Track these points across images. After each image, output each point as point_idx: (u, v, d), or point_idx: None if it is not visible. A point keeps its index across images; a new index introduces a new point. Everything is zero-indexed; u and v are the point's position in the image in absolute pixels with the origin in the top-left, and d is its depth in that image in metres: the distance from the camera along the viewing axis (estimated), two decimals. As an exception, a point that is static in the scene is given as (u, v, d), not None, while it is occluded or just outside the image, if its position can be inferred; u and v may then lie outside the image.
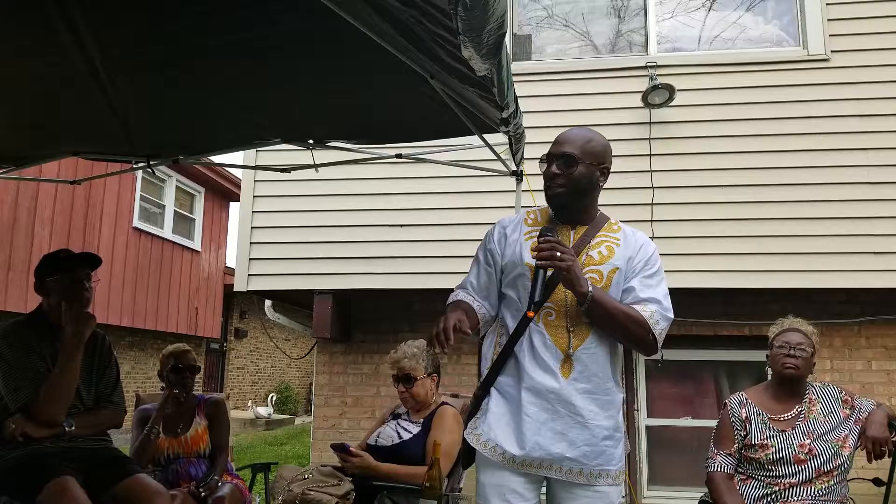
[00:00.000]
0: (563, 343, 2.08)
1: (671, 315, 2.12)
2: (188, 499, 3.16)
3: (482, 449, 2.13)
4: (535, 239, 2.10)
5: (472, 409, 2.21)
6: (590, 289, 2.02)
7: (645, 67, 5.01)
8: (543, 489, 2.20)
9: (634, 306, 2.09)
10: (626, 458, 2.23)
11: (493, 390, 2.15)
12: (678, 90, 4.84)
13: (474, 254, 2.32)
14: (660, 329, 2.09)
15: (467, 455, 2.25)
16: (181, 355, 3.57)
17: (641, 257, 2.15)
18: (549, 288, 2.09)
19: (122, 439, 3.67)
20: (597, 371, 2.09)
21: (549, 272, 2.05)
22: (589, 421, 2.06)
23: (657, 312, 2.09)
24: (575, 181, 2.12)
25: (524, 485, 2.10)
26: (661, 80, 4.86)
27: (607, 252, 2.16)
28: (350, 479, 3.06)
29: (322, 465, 3.14)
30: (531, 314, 2.05)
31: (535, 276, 2.04)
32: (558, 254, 1.99)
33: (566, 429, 2.05)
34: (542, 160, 2.19)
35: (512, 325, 2.15)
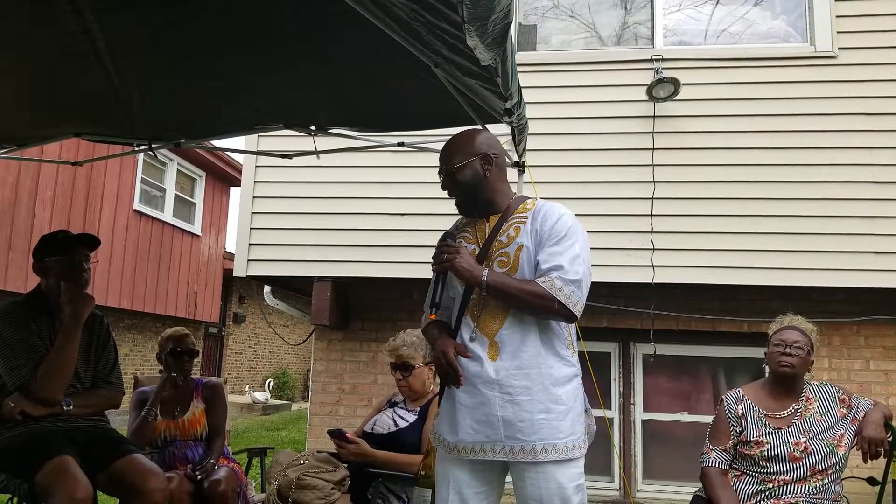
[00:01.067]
0: (487, 329, 2.18)
1: (576, 277, 2.11)
2: (184, 481, 3.18)
3: (435, 443, 2.30)
4: (461, 239, 2.31)
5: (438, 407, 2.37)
6: (483, 276, 2.12)
7: (650, 60, 4.98)
8: (509, 478, 2.23)
9: (538, 279, 2.12)
10: (589, 436, 2.22)
11: (446, 387, 2.27)
12: (683, 84, 4.82)
13: None
14: (565, 294, 2.09)
15: None
16: (180, 339, 3.57)
17: (546, 227, 2.19)
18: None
19: (120, 420, 3.69)
20: (525, 348, 2.14)
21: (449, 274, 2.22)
22: (518, 396, 2.10)
23: (558, 279, 2.10)
24: (462, 186, 2.27)
25: (469, 473, 2.18)
26: (666, 74, 4.84)
27: (514, 232, 2.22)
28: (346, 465, 3.07)
29: (318, 451, 3.15)
30: (432, 317, 2.24)
31: (436, 280, 2.23)
32: (444, 256, 2.16)
33: (497, 409, 2.11)
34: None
35: (454, 322, 2.29)
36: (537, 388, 2.11)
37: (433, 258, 2.21)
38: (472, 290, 2.22)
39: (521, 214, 2.26)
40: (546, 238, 2.17)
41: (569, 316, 2.14)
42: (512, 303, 2.15)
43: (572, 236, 2.17)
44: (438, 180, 2.35)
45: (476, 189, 2.27)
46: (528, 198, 2.35)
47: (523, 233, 2.21)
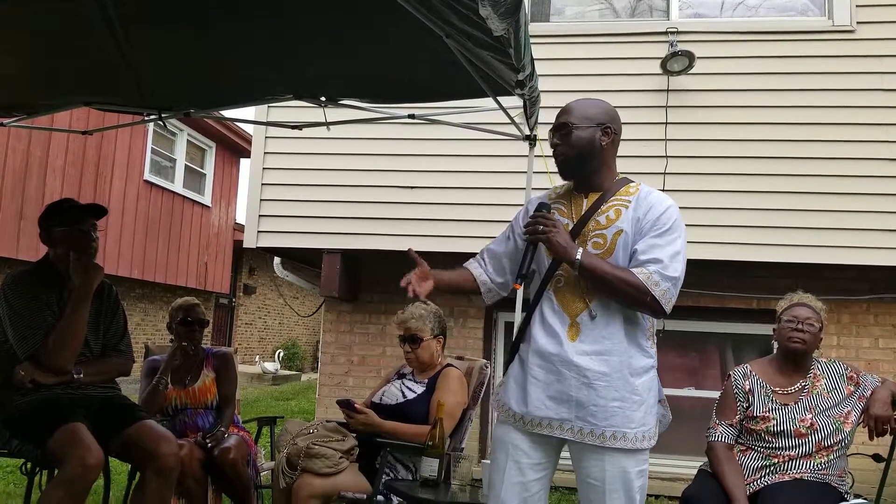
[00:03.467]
0: (571, 308, 2.14)
1: (675, 274, 2.07)
2: (195, 449, 3.21)
3: (497, 408, 2.29)
4: (557, 211, 2.23)
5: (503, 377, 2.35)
6: (578, 256, 2.06)
7: (665, 33, 4.91)
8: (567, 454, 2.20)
9: (634, 269, 2.07)
10: (661, 425, 2.20)
11: (516, 356, 2.25)
12: (698, 58, 4.75)
13: None
14: (661, 290, 2.05)
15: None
16: (190, 309, 3.59)
17: (651, 217, 2.12)
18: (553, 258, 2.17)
19: (132, 388, 3.73)
20: (607, 334, 2.10)
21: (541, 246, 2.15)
22: (595, 381, 2.07)
23: (656, 273, 2.05)
24: (574, 147, 2.18)
25: (529, 443, 2.16)
26: (681, 47, 4.77)
27: (615, 215, 2.15)
28: (354, 434, 3.11)
29: (327, 421, 3.18)
30: (517, 286, 2.18)
31: (525, 250, 2.15)
32: (541, 227, 2.09)
33: (572, 389, 2.08)
34: (551, 129, 2.25)
35: (531, 292, 2.27)
36: (616, 375, 2.08)
37: (525, 227, 2.14)
38: (559, 264, 2.16)
39: (624, 197, 2.18)
40: (649, 228, 2.11)
41: (659, 312, 2.10)
42: (604, 287, 2.09)
43: (676, 230, 2.12)
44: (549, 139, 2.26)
45: (586, 156, 2.18)
46: (631, 181, 2.24)
47: (624, 217, 2.14)
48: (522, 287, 2.23)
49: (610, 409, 2.07)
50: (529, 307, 2.24)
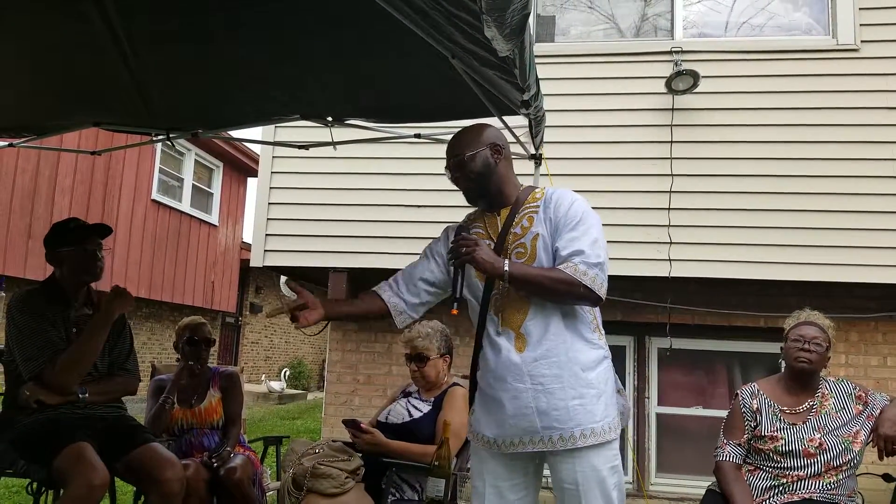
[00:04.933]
0: (512, 322, 2.18)
1: (599, 260, 2.11)
2: (200, 469, 3.21)
3: (472, 438, 2.32)
4: (477, 231, 2.30)
5: (470, 400, 2.38)
6: (505, 267, 2.09)
7: (670, 52, 4.94)
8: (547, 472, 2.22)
9: (560, 265, 2.11)
10: (623, 417, 2.23)
11: (477, 386, 2.29)
12: (703, 77, 4.77)
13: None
14: (590, 278, 2.08)
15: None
16: (196, 328, 3.60)
17: (560, 214, 2.18)
18: (488, 277, 2.20)
19: (138, 408, 3.73)
20: (550, 336, 2.13)
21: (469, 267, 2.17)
22: (549, 385, 2.10)
23: (581, 263, 2.09)
24: (472, 174, 2.25)
25: (504, 466, 2.21)
26: (685, 66, 4.79)
27: (528, 223, 2.22)
28: (360, 454, 3.09)
29: (333, 441, 3.17)
30: (454, 312, 2.17)
31: (455, 275, 2.18)
32: (463, 249, 2.10)
33: (531, 400, 2.11)
34: (446, 167, 2.32)
35: (475, 323, 2.30)
36: (567, 374, 2.11)
37: (450, 253, 2.17)
38: (492, 285, 2.21)
39: (532, 204, 2.26)
40: (562, 224, 2.17)
41: (595, 299, 2.13)
42: (536, 291, 2.14)
43: (587, 220, 2.17)
44: (445, 175, 2.34)
45: (486, 178, 2.25)
46: (536, 188, 2.34)
47: (537, 221, 2.21)
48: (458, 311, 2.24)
49: (571, 408, 2.09)
50: (476, 336, 2.28)
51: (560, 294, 2.13)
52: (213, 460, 3.27)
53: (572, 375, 2.11)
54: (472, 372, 2.32)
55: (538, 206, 2.24)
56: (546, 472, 2.26)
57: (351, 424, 3.08)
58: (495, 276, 2.13)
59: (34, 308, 2.91)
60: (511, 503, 2.21)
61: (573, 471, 2.10)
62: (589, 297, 2.11)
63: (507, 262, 2.11)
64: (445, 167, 2.32)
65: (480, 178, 2.25)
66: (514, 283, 2.11)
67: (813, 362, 2.85)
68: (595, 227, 2.18)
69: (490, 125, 2.37)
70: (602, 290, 2.12)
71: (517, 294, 2.16)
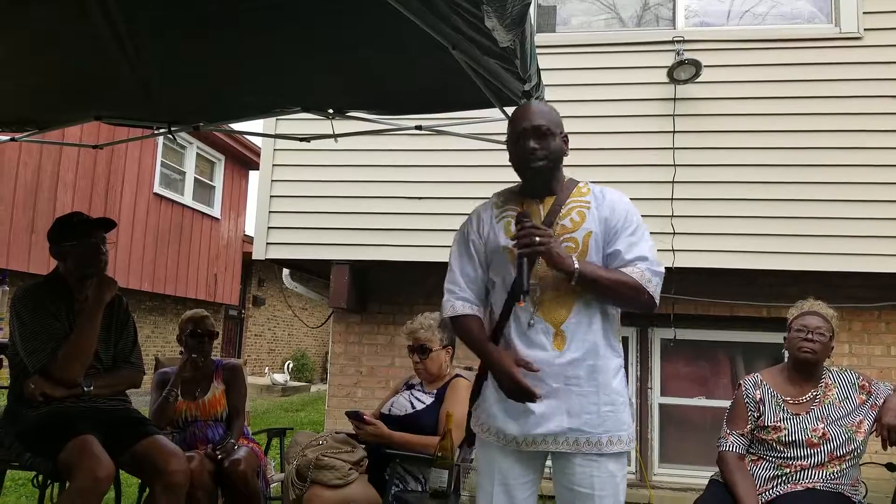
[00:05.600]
0: (552, 317, 2.09)
1: (661, 268, 2.11)
2: (205, 461, 3.22)
3: (483, 434, 2.19)
4: (507, 220, 2.17)
5: (475, 393, 2.27)
6: (575, 265, 2.02)
7: (672, 42, 4.92)
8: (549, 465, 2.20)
9: (625, 269, 2.07)
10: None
11: (489, 374, 2.17)
12: (705, 66, 4.75)
13: (453, 249, 2.28)
14: (653, 286, 2.08)
15: (470, 436, 2.32)
16: (200, 321, 3.61)
17: (618, 217, 2.13)
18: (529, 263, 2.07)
19: (142, 401, 3.74)
20: (589, 338, 2.08)
21: (534, 257, 2.05)
22: (585, 388, 2.05)
23: (647, 270, 2.08)
24: (552, 152, 2.14)
25: (516, 462, 2.13)
26: (687, 56, 4.77)
27: (579, 217, 2.14)
28: (363, 446, 3.10)
29: (336, 432, 3.18)
30: (521, 304, 2.06)
31: (520, 264, 2.03)
32: (537, 238, 2.00)
33: (563, 401, 2.04)
34: (521, 131, 2.14)
35: (497, 308, 2.17)
36: (601, 379, 2.07)
37: (520, 239, 2.01)
38: (530, 274, 2.07)
39: (581, 199, 2.17)
40: (621, 227, 2.11)
41: (652, 307, 2.11)
42: (600, 292, 2.08)
43: (643, 226, 2.15)
44: (522, 136, 2.13)
45: (556, 161, 2.16)
46: (578, 181, 2.24)
47: (590, 218, 2.13)
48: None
49: (603, 414, 2.06)
50: (496, 325, 2.15)
51: (624, 298, 2.09)
52: (218, 452, 3.28)
53: (605, 381, 2.08)
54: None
55: (589, 203, 2.15)
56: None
57: (354, 416, 3.10)
58: (565, 272, 2.02)
59: (38, 302, 2.91)
60: (519, 501, 2.14)
61: (590, 475, 2.05)
62: (649, 304, 2.09)
63: (574, 259, 2.04)
64: (517, 130, 2.15)
65: (555, 159, 2.15)
66: (582, 281, 2.03)
67: (816, 352, 2.85)
68: (647, 234, 2.15)
69: None
70: (658, 299, 2.11)
71: (561, 289, 2.07)
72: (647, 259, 2.09)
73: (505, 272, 2.14)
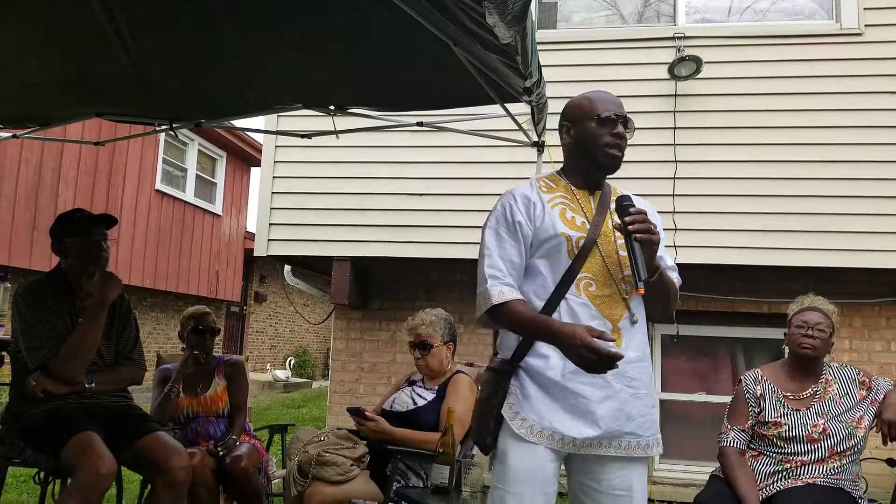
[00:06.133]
0: (611, 313, 1.98)
1: (680, 281, 2.15)
2: (206, 457, 3.23)
3: (530, 436, 1.93)
4: (562, 207, 2.04)
5: (495, 388, 2.00)
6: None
7: (672, 38, 4.92)
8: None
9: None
10: None
11: (521, 372, 1.98)
12: (705, 62, 4.76)
13: (489, 232, 2.09)
14: (679, 296, 2.11)
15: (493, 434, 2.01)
16: (201, 317, 3.61)
17: (658, 225, 2.06)
18: (580, 257, 1.97)
19: (143, 398, 3.75)
20: (640, 339, 2.02)
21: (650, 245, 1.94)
22: (640, 391, 1.99)
23: (678, 279, 2.11)
24: (625, 142, 2.06)
25: (557, 467, 1.98)
26: (688, 52, 4.78)
27: None
28: (365, 442, 3.11)
29: (338, 429, 3.19)
30: (641, 292, 1.89)
31: (632, 250, 1.89)
32: (647, 227, 1.89)
33: (623, 403, 1.95)
34: (607, 118, 2.03)
35: (538, 300, 1.98)
36: (649, 381, 2.03)
37: (636, 224, 1.89)
38: (581, 263, 1.96)
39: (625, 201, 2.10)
40: (660, 236, 2.05)
41: (671, 318, 2.11)
42: (660, 293, 2.02)
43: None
44: (616, 120, 2.04)
45: (623, 152, 2.08)
46: (608, 182, 2.18)
47: None
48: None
49: (650, 417, 2.02)
50: (541, 312, 1.96)
51: (672, 302, 2.08)
52: (219, 449, 3.29)
53: (650, 383, 2.05)
54: (520, 351, 1.98)
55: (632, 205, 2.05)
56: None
57: (355, 412, 3.10)
58: (652, 266, 1.92)
59: (39, 299, 2.92)
60: None
61: (629, 477, 1.98)
62: (673, 314, 2.10)
63: None
64: (601, 111, 2.04)
65: (624, 153, 2.08)
66: (658, 278, 1.96)
67: (816, 348, 2.85)
68: None
69: None
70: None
71: (620, 286, 1.99)
72: (676, 269, 2.10)
73: (556, 261, 1.99)
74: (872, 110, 4.69)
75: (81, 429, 2.69)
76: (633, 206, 1.94)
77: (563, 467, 2.04)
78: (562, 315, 1.95)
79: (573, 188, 2.11)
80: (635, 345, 1.99)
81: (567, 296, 1.95)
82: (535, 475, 1.93)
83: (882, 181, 4.61)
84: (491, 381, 2.03)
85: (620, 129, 2.03)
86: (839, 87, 4.76)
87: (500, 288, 1.98)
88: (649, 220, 1.91)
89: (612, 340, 1.86)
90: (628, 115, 2.06)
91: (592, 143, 2.05)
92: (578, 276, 1.97)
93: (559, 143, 2.18)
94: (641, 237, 1.88)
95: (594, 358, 1.79)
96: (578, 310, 1.95)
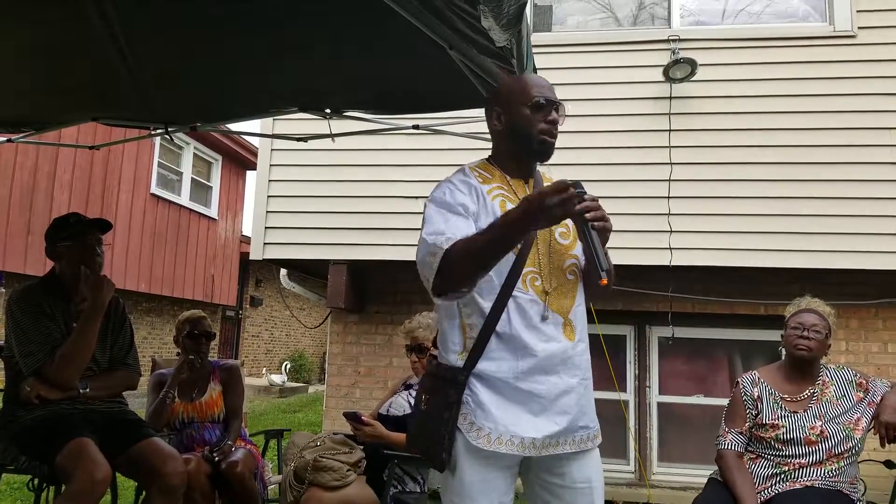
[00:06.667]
0: (561, 305, 1.91)
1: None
2: (202, 462, 3.21)
3: (489, 445, 1.80)
4: (501, 199, 1.94)
5: (446, 401, 1.84)
6: None
7: (667, 41, 4.93)
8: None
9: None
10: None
11: (472, 379, 1.84)
12: (700, 65, 4.76)
13: (432, 210, 1.98)
14: None
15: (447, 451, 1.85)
16: (197, 322, 3.60)
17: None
18: (523, 251, 1.86)
19: (138, 403, 3.73)
20: (584, 326, 1.96)
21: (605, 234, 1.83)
22: (588, 380, 1.94)
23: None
24: (557, 132, 1.99)
25: (512, 477, 1.90)
26: (683, 55, 4.78)
27: None
28: (361, 447, 3.10)
29: (334, 433, 3.18)
30: (604, 282, 1.76)
31: (590, 239, 1.76)
32: (600, 213, 1.77)
33: (578, 395, 1.88)
34: (540, 104, 1.95)
35: (486, 301, 1.85)
36: (588, 366, 1.95)
37: (591, 211, 1.75)
38: (525, 258, 1.86)
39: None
40: None
41: (609, 294, 2.00)
42: (605, 284, 1.83)
43: None
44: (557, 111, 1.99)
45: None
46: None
47: None
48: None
49: (592, 406, 1.96)
50: (487, 319, 1.84)
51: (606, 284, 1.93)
52: (215, 454, 3.28)
53: (589, 368, 1.97)
54: (472, 358, 1.84)
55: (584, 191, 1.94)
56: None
57: (352, 417, 3.09)
58: (605, 254, 1.79)
59: (34, 303, 2.90)
60: None
61: (587, 467, 1.90)
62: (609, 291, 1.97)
63: None
64: (533, 96, 1.97)
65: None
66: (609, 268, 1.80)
67: (812, 350, 2.85)
68: None
69: None
70: None
71: (563, 277, 1.92)
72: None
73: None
74: (867, 112, 4.70)
75: (76, 435, 2.67)
76: (585, 192, 1.76)
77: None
78: (511, 313, 1.84)
79: (508, 178, 2.02)
80: (581, 335, 1.93)
81: (515, 293, 1.85)
82: (490, 485, 1.84)
83: (878, 183, 4.62)
84: (439, 390, 1.88)
85: (554, 115, 1.96)
86: (833, 89, 4.77)
87: (443, 238, 1.83)
88: (599, 206, 1.77)
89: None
90: (559, 104, 1.97)
91: (526, 131, 1.97)
92: (524, 271, 1.87)
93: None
94: (598, 225, 1.77)
95: (561, 198, 1.66)
96: (527, 307, 1.85)
